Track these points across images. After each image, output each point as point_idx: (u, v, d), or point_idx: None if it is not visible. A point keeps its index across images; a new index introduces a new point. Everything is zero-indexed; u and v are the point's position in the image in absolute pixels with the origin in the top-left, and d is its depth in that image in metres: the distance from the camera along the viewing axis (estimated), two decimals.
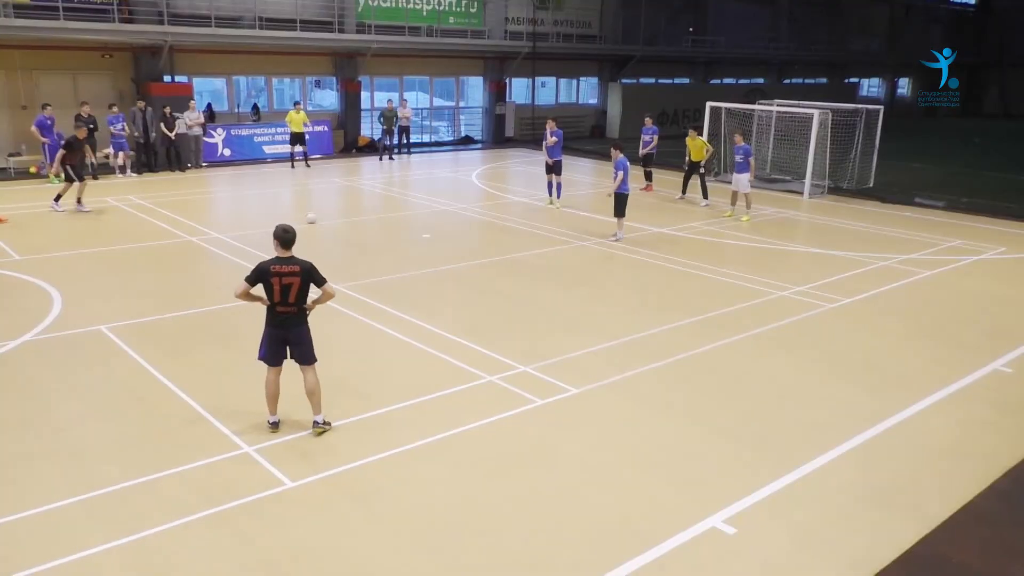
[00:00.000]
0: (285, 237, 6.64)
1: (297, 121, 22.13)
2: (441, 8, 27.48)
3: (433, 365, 8.52)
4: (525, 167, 23.99)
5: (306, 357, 6.84)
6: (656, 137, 19.55)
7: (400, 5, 26.41)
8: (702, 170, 18.16)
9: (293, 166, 22.56)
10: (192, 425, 7.06)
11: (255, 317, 9.83)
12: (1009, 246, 14.72)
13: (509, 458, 6.63)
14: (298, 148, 22.58)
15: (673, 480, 6.34)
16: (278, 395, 6.90)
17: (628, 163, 14.05)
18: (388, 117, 24.74)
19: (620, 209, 14.25)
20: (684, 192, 18.82)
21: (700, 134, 18.82)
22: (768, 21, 40.22)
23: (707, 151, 18.27)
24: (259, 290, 6.66)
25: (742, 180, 16.38)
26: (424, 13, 27.04)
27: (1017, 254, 14.21)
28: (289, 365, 6.82)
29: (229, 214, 17.30)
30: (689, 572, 5.23)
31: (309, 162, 22.91)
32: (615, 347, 9.12)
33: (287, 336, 6.75)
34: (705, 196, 18.20)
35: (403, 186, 20.53)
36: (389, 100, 25.44)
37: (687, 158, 18.45)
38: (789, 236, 15.42)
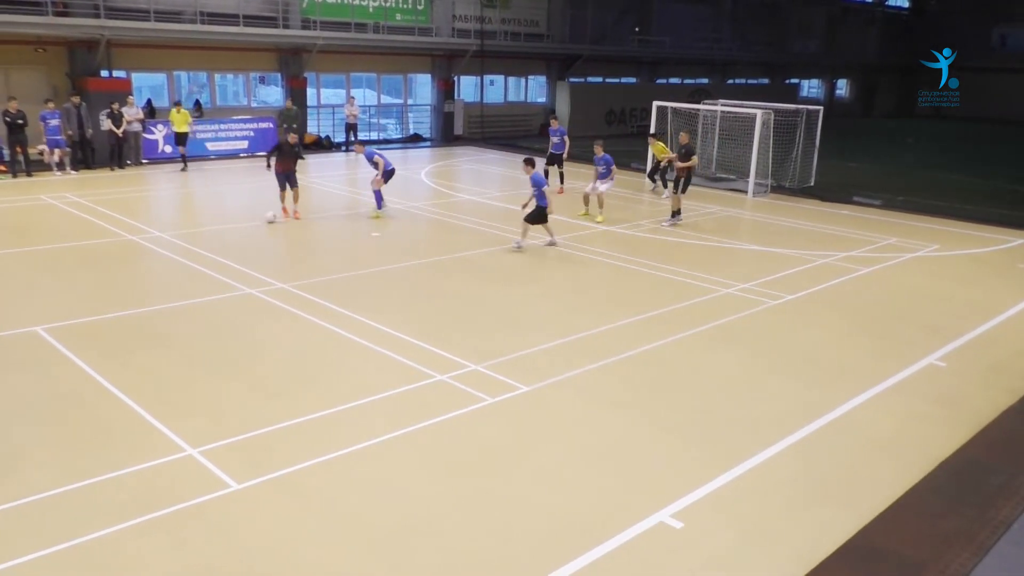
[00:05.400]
0: None
1: (179, 120, 20.95)
2: (388, 5, 27.26)
3: (382, 364, 8.45)
4: (474, 165, 23.95)
5: None
6: (565, 137, 19.32)
7: (346, 1, 26.11)
8: (664, 165, 19.17)
9: (184, 168, 21.02)
10: (132, 428, 6.87)
11: (196, 318, 9.64)
12: (942, 243, 15.21)
13: (459, 457, 6.62)
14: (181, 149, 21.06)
15: (621, 476, 6.40)
16: None
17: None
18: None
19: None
20: (655, 182, 20.11)
21: (659, 139, 20.03)
22: (711, 22, 40.84)
23: (668, 155, 18.94)
24: None
25: (601, 186, 16.22)
26: (370, 10, 26.79)
27: (949, 251, 14.70)
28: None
29: (170, 212, 16.89)
30: (637, 567, 5.28)
31: (186, 165, 21.10)
32: (564, 344, 9.17)
33: None
34: (665, 187, 18.87)
35: (352, 184, 20.32)
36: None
37: (652, 159, 20.25)
38: (733, 234, 15.70)
